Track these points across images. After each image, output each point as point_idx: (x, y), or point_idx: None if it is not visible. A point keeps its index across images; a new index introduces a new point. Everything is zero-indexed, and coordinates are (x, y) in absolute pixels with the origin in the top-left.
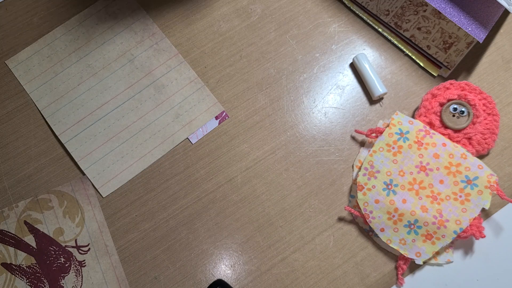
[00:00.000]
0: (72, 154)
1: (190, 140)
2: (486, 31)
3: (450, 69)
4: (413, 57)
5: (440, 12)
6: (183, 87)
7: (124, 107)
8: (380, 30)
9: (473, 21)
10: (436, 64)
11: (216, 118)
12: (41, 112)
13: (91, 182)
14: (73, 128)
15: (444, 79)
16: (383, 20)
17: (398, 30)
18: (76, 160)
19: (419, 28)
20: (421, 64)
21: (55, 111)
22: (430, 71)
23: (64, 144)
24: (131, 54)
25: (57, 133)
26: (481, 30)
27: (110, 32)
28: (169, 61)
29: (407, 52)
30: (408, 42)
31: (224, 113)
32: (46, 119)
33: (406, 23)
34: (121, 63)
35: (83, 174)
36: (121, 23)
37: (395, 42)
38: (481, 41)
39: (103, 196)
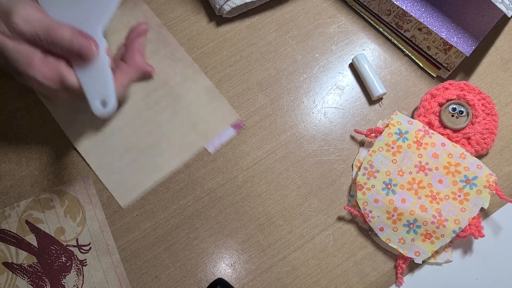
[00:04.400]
0: (91, 165)
1: (207, 149)
2: (475, 43)
3: (449, 70)
4: (413, 57)
5: None
6: (199, 96)
7: (142, 117)
8: (381, 29)
9: (464, 32)
10: (435, 64)
11: (232, 126)
12: (59, 124)
13: (110, 193)
14: (92, 139)
15: (443, 79)
16: (384, 19)
17: (399, 30)
18: (95, 171)
19: (420, 29)
20: (421, 64)
21: (73, 123)
22: (429, 71)
23: (83, 156)
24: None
25: (75, 145)
26: (469, 42)
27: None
28: (185, 70)
29: (407, 52)
30: (408, 42)
31: (240, 122)
32: (64, 131)
33: (407, 23)
34: None
35: (84, 174)
36: None
37: (396, 42)
38: (467, 55)
39: (123, 207)
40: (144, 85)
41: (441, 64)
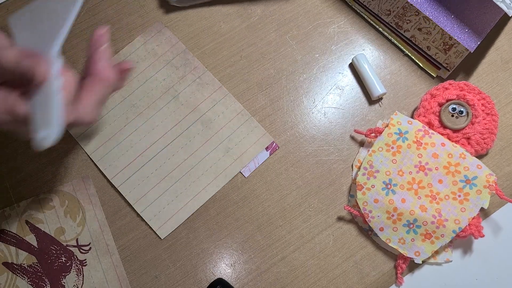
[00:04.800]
0: (126, 197)
1: (243, 173)
2: (478, 40)
3: (449, 70)
4: (413, 57)
5: None
6: (230, 120)
7: (174, 145)
8: (380, 29)
9: (467, 29)
10: (435, 64)
11: (267, 149)
12: (90, 156)
13: (148, 225)
14: (125, 171)
15: (443, 79)
16: (384, 19)
17: (398, 30)
18: (131, 203)
19: (419, 29)
20: (421, 64)
21: (104, 155)
22: (429, 71)
23: (117, 188)
24: (175, 90)
25: (109, 177)
26: (473, 38)
27: (151, 70)
28: (214, 95)
29: (407, 52)
30: (408, 42)
31: (274, 144)
32: (96, 163)
33: (407, 23)
34: (166, 100)
35: (84, 174)
36: (161, 59)
37: (395, 42)
38: (471, 51)
39: (161, 238)
40: (173, 111)
41: (441, 64)
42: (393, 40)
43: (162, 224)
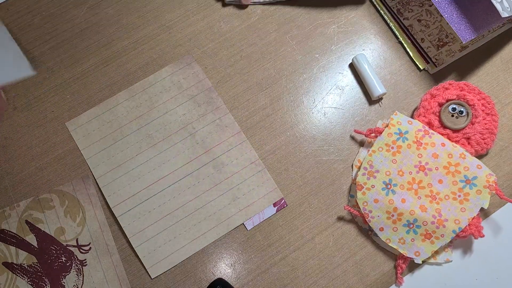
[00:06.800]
0: (124, 229)
1: (246, 226)
2: (473, 34)
3: (436, 66)
4: (405, 45)
5: None
6: (243, 168)
7: (181, 184)
8: (382, 12)
9: (466, 22)
10: (425, 58)
11: (274, 205)
12: (97, 180)
13: (141, 262)
14: (128, 201)
15: (430, 74)
16: (387, 3)
17: (399, 16)
18: (128, 236)
19: (419, 20)
20: (411, 54)
21: (111, 181)
22: (417, 63)
23: (117, 218)
24: (193, 127)
25: (111, 205)
26: (469, 32)
27: (173, 102)
28: (231, 139)
29: (400, 39)
30: (405, 30)
31: (283, 201)
32: (101, 189)
33: (409, 12)
34: (182, 136)
35: (84, 174)
36: (185, 93)
37: (393, 27)
38: (464, 42)
39: (152, 278)
40: (187, 149)
41: (430, 59)
42: (390, 24)
43: (156, 263)
